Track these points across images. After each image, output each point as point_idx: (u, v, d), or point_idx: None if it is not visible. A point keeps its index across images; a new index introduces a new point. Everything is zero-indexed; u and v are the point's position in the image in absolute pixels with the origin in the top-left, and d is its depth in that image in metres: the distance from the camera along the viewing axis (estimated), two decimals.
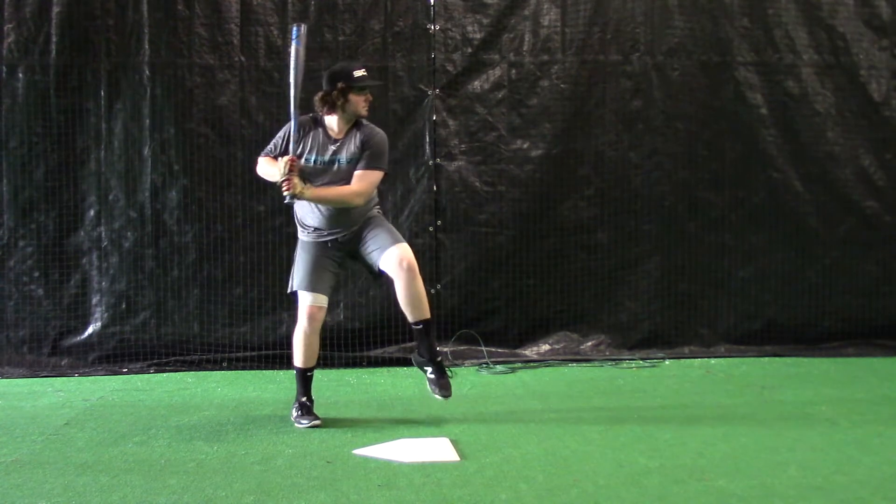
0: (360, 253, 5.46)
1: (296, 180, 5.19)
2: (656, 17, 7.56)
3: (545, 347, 7.52)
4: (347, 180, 5.32)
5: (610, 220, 7.56)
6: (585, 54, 7.51)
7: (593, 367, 7.27)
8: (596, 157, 7.55)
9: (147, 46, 7.18)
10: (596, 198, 7.55)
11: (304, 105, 5.38)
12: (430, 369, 5.45)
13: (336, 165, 5.34)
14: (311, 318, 5.42)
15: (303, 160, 5.32)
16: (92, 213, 7.24)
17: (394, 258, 5.27)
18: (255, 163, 5.63)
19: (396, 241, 5.34)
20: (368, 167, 5.32)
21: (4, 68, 7.12)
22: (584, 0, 7.48)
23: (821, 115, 7.64)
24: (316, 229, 5.43)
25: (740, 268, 7.67)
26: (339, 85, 5.29)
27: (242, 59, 7.27)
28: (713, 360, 7.44)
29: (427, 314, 5.39)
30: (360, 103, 5.34)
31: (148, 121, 7.21)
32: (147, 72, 7.19)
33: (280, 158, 5.28)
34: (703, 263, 7.65)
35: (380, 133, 5.43)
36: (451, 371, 5.64)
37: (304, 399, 5.50)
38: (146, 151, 7.22)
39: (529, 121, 7.49)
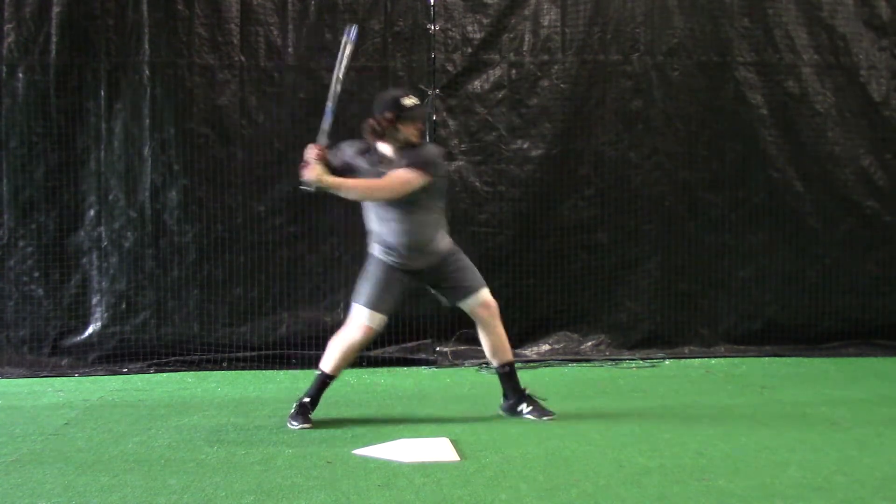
0: (441, 286, 5.47)
1: (316, 166, 5.11)
2: (656, 17, 7.56)
3: (545, 347, 7.52)
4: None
5: (610, 220, 7.56)
6: (585, 54, 7.51)
7: (593, 367, 7.27)
8: (596, 157, 7.55)
9: (147, 46, 7.18)
10: (596, 198, 7.55)
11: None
12: (523, 407, 5.49)
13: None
14: (366, 336, 5.38)
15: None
16: (92, 213, 7.23)
17: (479, 302, 5.41)
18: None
19: (482, 284, 5.44)
20: (404, 167, 5.19)
21: (4, 68, 7.11)
22: (584, 0, 7.48)
23: (821, 115, 7.64)
24: (398, 254, 5.32)
25: (740, 268, 7.67)
26: (388, 115, 5.20)
27: (242, 59, 7.27)
28: (713, 360, 7.44)
29: (511, 356, 5.55)
30: (410, 132, 5.25)
31: (148, 121, 7.21)
32: (147, 72, 7.19)
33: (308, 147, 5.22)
34: (703, 263, 7.65)
35: (429, 145, 5.45)
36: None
37: (307, 400, 5.43)
38: (146, 151, 7.22)
39: (529, 121, 7.49)
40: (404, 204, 5.24)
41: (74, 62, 7.16)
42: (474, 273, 5.48)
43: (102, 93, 7.19)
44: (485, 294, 5.44)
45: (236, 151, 7.28)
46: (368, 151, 5.33)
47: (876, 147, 7.70)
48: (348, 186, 5.23)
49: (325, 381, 5.45)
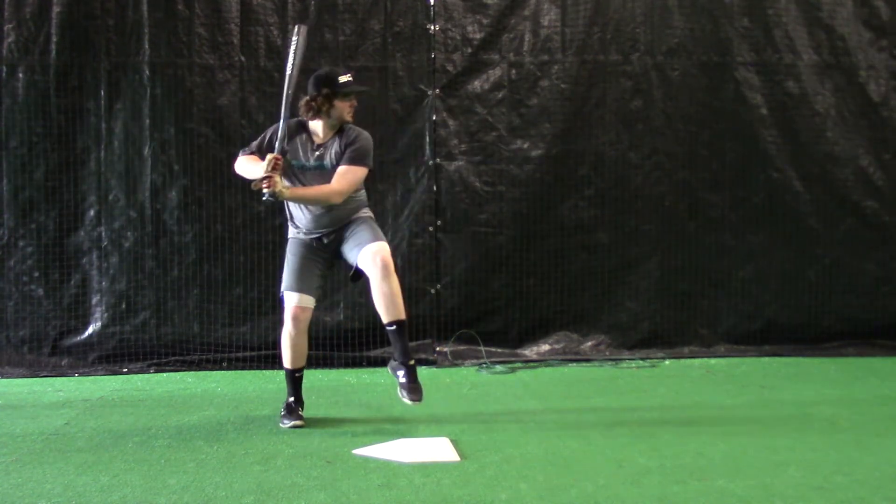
0: (342, 251, 5.40)
1: (276, 178, 5.11)
2: (656, 17, 7.56)
3: (545, 347, 7.52)
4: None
5: (610, 220, 7.56)
6: (585, 54, 7.51)
7: (593, 367, 7.27)
8: (596, 157, 7.55)
9: (147, 46, 7.18)
10: (596, 198, 7.55)
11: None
12: (402, 373, 5.30)
13: (321, 170, 5.31)
14: (295, 319, 5.33)
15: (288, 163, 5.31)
16: (92, 213, 7.23)
17: (368, 254, 5.18)
18: (233, 159, 5.58)
19: (375, 239, 5.26)
20: (349, 163, 5.28)
21: (4, 68, 7.11)
22: (584, 0, 7.49)
23: (821, 115, 7.65)
24: (308, 229, 5.39)
25: (740, 268, 7.67)
26: (324, 91, 5.25)
27: (242, 59, 7.27)
28: (713, 360, 7.44)
29: (402, 315, 5.21)
30: (345, 109, 5.30)
31: (148, 121, 7.21)
32: (147, 72, 7.19)
33: (267, 156, 5.20)
34: (703, 263, 7.65)
35: (364, 133, 5.39)
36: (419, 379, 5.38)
37: (291, 400, 5.48)
38: (146, 151, 7.22)
39: (529, 121, 7.49)
40: None
41: (74, 62, 7.16)
42: (374, 231, 5.32)
43: (102, 93, 7.19)
44: (377, 246, 5.19)
45: (236, 151, 7.24)
46: (301, 132, 5.35)
47: (875, 147, 7.71)
48: (307, 196, 5.26)
49: (291, 376, 5.48)
